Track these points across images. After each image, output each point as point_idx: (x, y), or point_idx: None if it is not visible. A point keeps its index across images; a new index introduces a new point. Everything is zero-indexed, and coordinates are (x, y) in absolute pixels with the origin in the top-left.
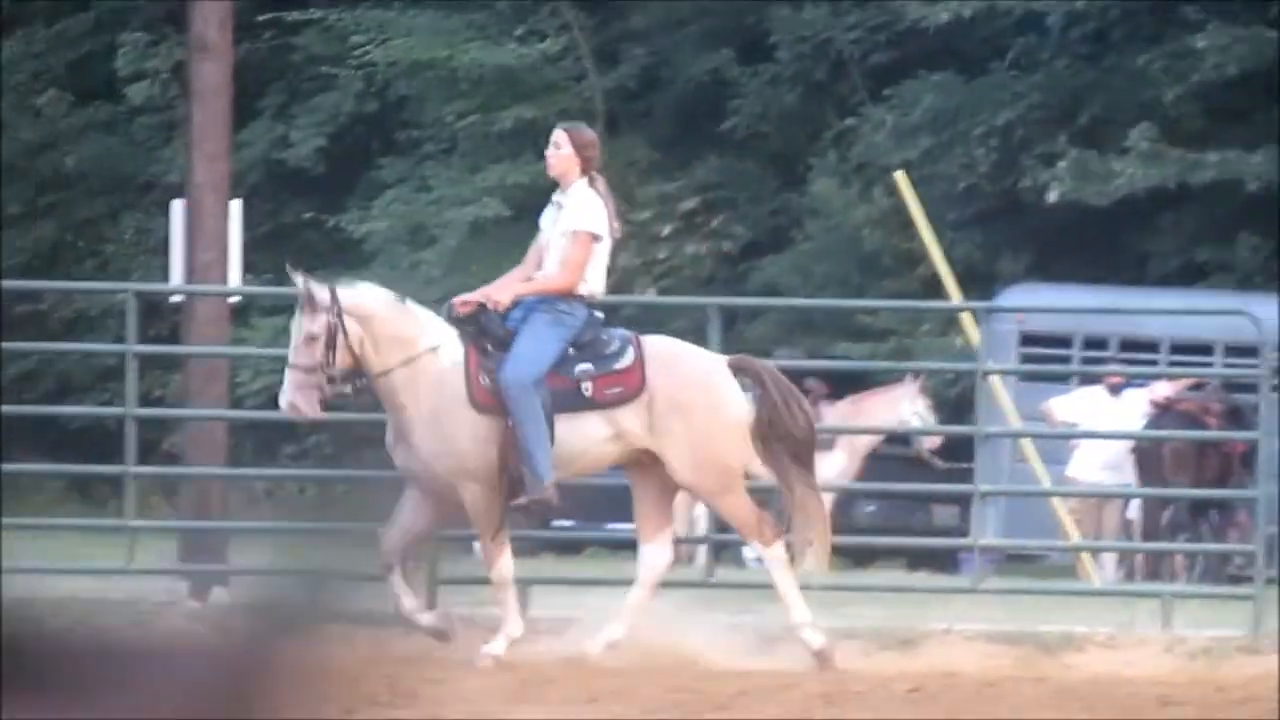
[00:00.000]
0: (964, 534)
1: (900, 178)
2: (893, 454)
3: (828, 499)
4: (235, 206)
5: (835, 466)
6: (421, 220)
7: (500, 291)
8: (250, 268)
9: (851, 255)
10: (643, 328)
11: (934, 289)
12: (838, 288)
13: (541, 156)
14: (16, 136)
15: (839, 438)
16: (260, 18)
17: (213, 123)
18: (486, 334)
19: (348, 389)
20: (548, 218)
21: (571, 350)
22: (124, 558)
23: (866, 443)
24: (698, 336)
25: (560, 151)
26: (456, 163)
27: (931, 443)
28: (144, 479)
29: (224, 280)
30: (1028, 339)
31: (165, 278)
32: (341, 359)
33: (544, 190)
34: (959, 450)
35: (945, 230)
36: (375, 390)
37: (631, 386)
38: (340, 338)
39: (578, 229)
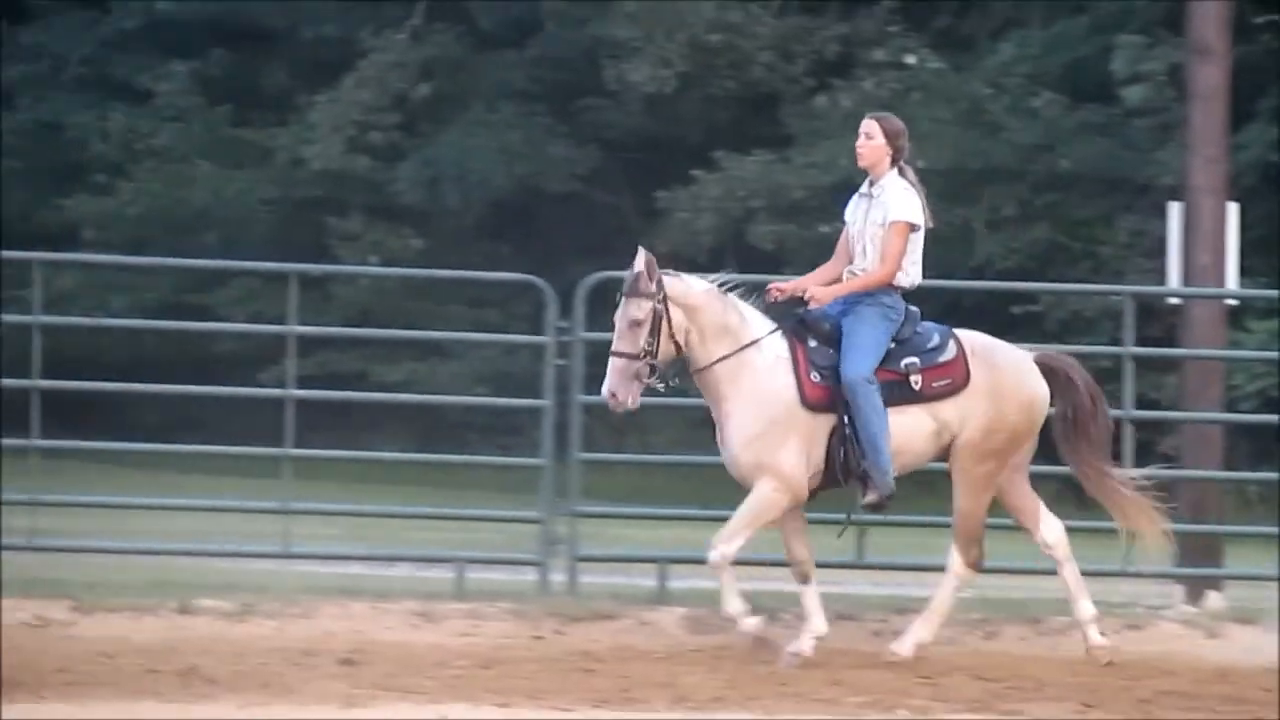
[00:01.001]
0: None
1: None
2: None
3: None
4: (1232, 209)
5: None
6: None
7: (821, 291)
8: (1246, 270)
9: None
10: None
11: None
12: None
13: None
14: (1011, 139)
15: None
16: (1258, 19)
17: (1210, 125)
18: (809, 328)
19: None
20: (856, 209)
21: (892, 344)
22: (1122, 560)
23: None
24: None
25: (872, 141)
26: None
27: None
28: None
29: (1221, 283)
30: None
31: (1161, 280)
32: (665, 348)
33: None
34: None
35: None
36: (698, 382)
37: (958, 379)
38: (665, 325)
39: (895, 219)
